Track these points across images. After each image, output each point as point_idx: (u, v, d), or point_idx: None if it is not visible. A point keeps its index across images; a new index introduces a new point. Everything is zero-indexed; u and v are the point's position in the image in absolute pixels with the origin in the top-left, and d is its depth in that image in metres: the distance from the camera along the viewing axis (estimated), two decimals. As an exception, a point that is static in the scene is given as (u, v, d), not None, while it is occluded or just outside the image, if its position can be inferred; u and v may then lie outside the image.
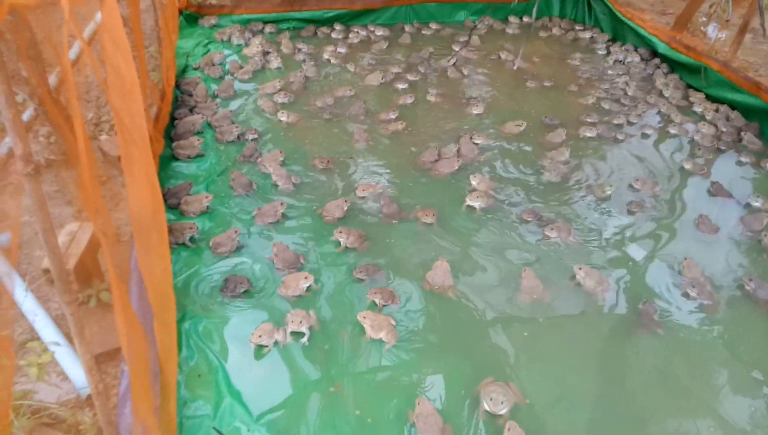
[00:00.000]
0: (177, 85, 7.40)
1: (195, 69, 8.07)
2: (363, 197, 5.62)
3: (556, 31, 10.74)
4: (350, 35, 9.76)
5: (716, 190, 6.06)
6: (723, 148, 6.95)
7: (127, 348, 2.55)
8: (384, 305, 4.37)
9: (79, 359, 3.43)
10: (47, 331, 3.79)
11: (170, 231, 4.82)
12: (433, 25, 10.49)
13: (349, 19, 10.25)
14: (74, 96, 2.64)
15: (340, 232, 4.58)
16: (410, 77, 8.35)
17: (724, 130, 7.29)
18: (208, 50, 8.74)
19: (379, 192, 5.70)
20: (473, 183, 5.89)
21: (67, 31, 2.92)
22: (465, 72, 8.68)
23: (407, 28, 10.26)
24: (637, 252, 5.18)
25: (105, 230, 4.08)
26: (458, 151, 6.49)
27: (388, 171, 6.16)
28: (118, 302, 2.54)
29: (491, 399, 3.62)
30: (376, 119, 7.14)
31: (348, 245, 4.49)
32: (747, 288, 4.76)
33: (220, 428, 3.39)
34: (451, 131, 7.01)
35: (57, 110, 4.29)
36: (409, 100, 7.63)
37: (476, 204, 5.56)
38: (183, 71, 7.96)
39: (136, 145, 3.38)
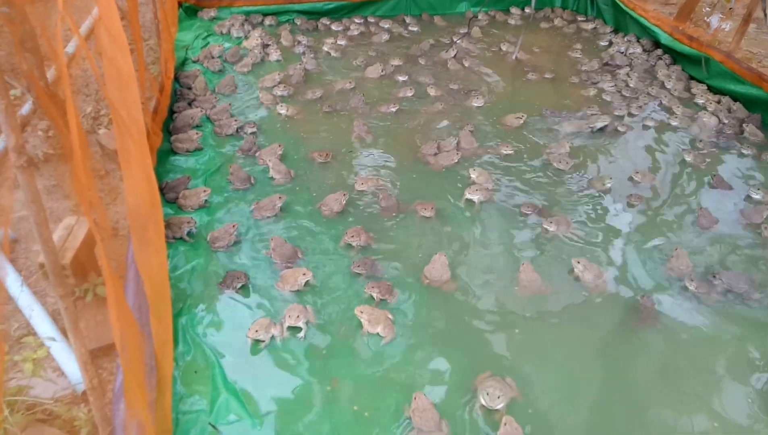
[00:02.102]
0: (176, 78, 7.37)
1: (194, 62, 8.03)
2: (362, 190, 5.60)
3: (558, 22, 10.66)
4: (351, 27, 9.71)
5: (717, 183, 6.01)
6: (724, 140, 6.89)
7: (120, 343, 2.54)
8: (381, 299, 4.35)
9: (74, 354, 3.43)
10: (43, 326, 3.79)
11: (168, 225, 4.81)
12: (435, 17, 10.43)
13: (349, 10, 10.19)
14: (68, 88, 2.62)
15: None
16: (410, 69, 8.30)
17: (725, 122, 7.23)
18: (208, 43, 8.69)
19: (378, 185, 5.68)
20: (473, 176, 5.86)
21: (61, 23, 2.89)
22: (466, 64, 8.62)
23: (408, 19, 10.19)
24: (636, 245, 5.15)
25: (100, 224, 4.07)
26: (458, 143, 6.45)
27: (387, 164, 6.13)
28: (112, 297, 2.53)
29: (488, 394, 3.61)
30: (375, 112, 7.11)
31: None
32: (716, 284, 4.67)
33: (215, 423, 3.39)
34: (451, 124, 6.96)
35: (53, 103, 4.26)
36: (410, 93, 7.58)
37: (475, 197, 5.53)
38: (182, 64, 7.92)
39: (132, 138, 3.37)
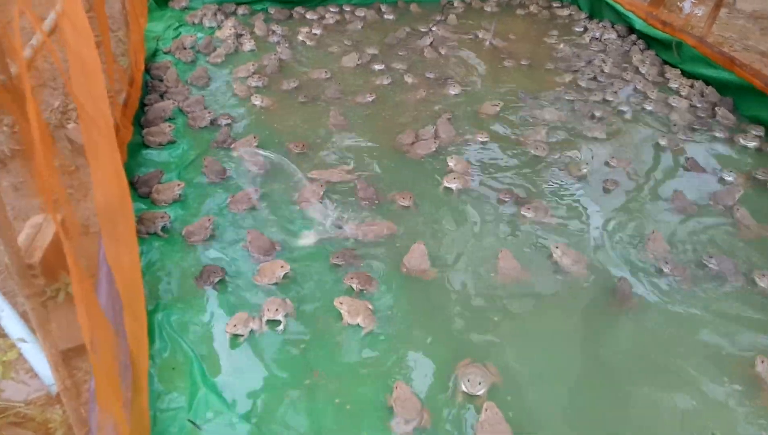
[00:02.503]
0: (147, 70, 7.20)
1: (166, 53, 7.86)
2: (340, 181, 5.54)
3: (533, 8, 10.67)
4: (326, 16, 9.59)
5: (691, 166, 6.09)
6: (698, 123, 6.98)
7: (90, 343, 2.47)
8: (361, 290, 4.32)
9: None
10: (14, 326, 3.69)
11: (141, 220, 4.71)
12: (411, 4, 10.36)
13: (324, -1, 10.06)
14: (27, 81, 2.52)
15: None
16: (387, 58, 8.23)
17: (699, 105, 7.33)
18: (179, 33, 8.51)
19: (355, 175, 5.62)
20: (450, 164, 5.84)
21: (18, 14, 2.78)
22: (442, 52, 8.58)
23: (383, 7, 10.10)
24: (613, 229, 5.20)
25: (67, 222, 3.96)
26: (435, 132, 6.42)
27: (364, 154, 6.08)
28: (80, 296, 2.45)
29: (468, 380, 3.62)
30: (352, 101, 7.04)
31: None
32: (710, 266, 4.78)
33: (195, 420, 3.34)
34: (428, 112, 6.94)
35: (15, 98, 4.12)
36: (386, 82, 7.53)
37: (453, 185, 5.52)
38: (153, 55, 7.75)
39: (100, 132, 3.27)
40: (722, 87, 7.58)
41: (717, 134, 6.77)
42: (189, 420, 3.34)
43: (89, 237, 4.68)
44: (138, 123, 6.12)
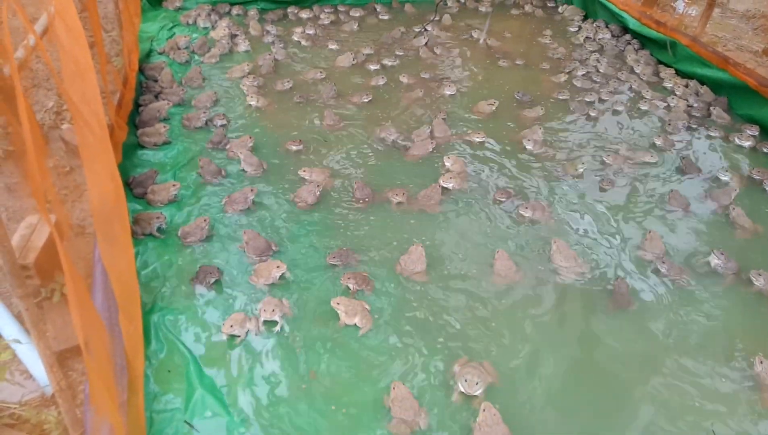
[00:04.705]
0: (141, 71, 7.17)
1: (160, 53, 7.83)
2: (336, 181, 5.53)
3: (528, 8, 10.69)
4: (321, 16, 9.58)
5: (686, 166, 6.10)
6: (693, 123, 7.00)
7: (84, 344, 2.45)
8: (358, 290, 4.31)
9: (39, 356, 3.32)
10: (8, 327, 3.66)
11: (137, 221, 4.68)
12: (405, 4, 10.35)
13: (318, -1, 10.04)
14: (17, 81, 2.50)
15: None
16: (382, 58, 8.22)
17: (693, 105, 7.36)
18: (173, 34, 8.47)
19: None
20: (447, 164, 5.84)
21: (6, 9, 2.76)
22: (437, 51, 8.58)
23: (378, 7, 10.10)
24: (609, 228, 5.21)
25: (61, 222, 3.93)
26: (431, 132, 6.42)
27: (360, 154, 6.07)
28: (74, 297, 2.43)
29: (466, 380, 3.61)
30: (347, 101, 7.03)
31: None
32: (717, 261, 4.78)
33: (191, 421, 3.32)
34: (423, 112, 6.93)
35: (7, 99, 4.09)
36: (382, 82, 7.52)
37: (450, 185, 5.51)
38: (147, 56, 7.71)
39: (93, 133, 3.25)
40: (717, 86, 7.61)
41: (712, 133, 6.79)
42: (186, 421, 3.32)
43: (85, 238, 4.64)
44: (133, 123, 6.09)
